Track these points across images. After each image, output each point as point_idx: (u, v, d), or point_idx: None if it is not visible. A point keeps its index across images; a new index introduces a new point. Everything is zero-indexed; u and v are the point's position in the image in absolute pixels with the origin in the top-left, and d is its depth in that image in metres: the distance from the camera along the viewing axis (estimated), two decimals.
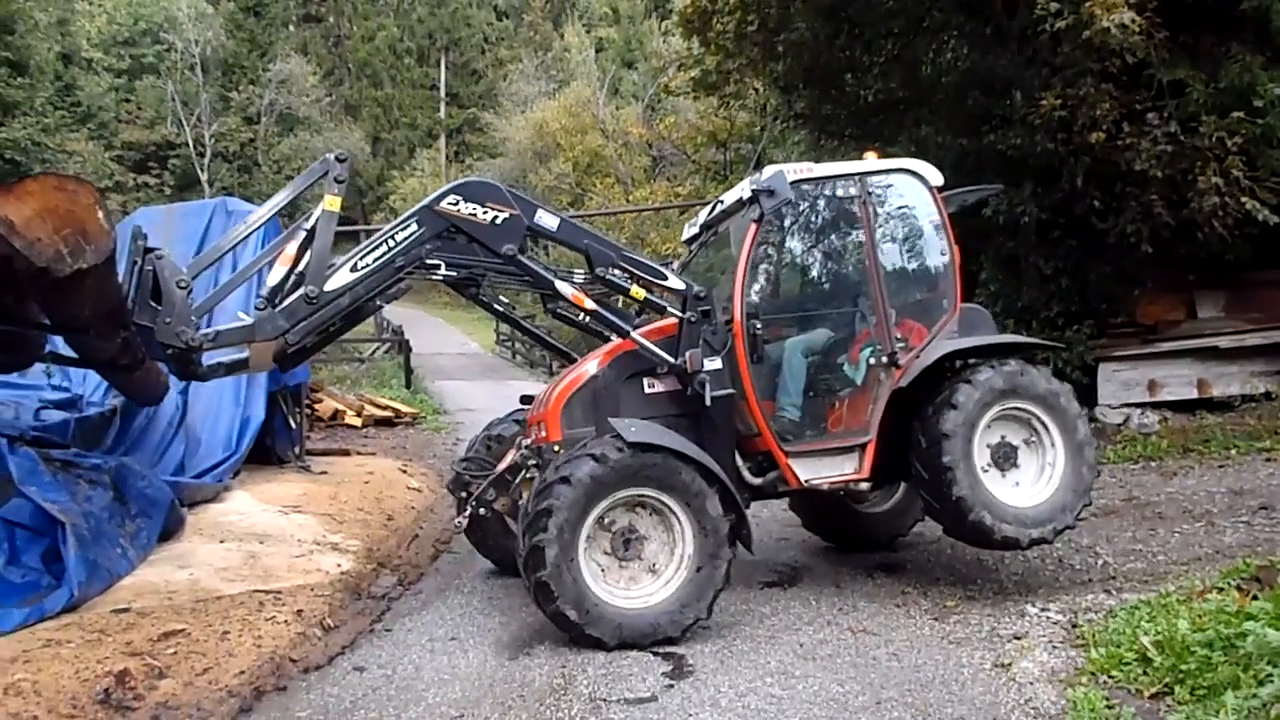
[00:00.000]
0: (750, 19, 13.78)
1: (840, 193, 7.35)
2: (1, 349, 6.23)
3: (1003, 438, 6.76)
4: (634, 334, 6.84)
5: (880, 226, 7.38)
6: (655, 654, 5.86)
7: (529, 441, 7.11)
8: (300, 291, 6.27)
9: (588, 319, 7.21)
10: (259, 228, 6.96)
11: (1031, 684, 5.14)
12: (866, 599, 6.93)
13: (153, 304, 5.97)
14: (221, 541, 7.73)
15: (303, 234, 6.48)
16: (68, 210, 4.89)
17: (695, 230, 8.25)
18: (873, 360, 7.07)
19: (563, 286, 6.83)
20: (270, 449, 11.25)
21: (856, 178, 7.24)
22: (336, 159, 6.51)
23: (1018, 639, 5.83)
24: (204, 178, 45.21)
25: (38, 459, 6.87)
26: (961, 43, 12.45)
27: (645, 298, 6.93)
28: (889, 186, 7.48)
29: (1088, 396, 12.56)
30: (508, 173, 49.16)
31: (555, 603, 5.82)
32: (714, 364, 6.71)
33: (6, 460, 6.64)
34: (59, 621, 5.73)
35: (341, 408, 16.31)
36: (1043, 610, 6.37)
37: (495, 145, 52.79)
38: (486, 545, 7.95)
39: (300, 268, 6.44)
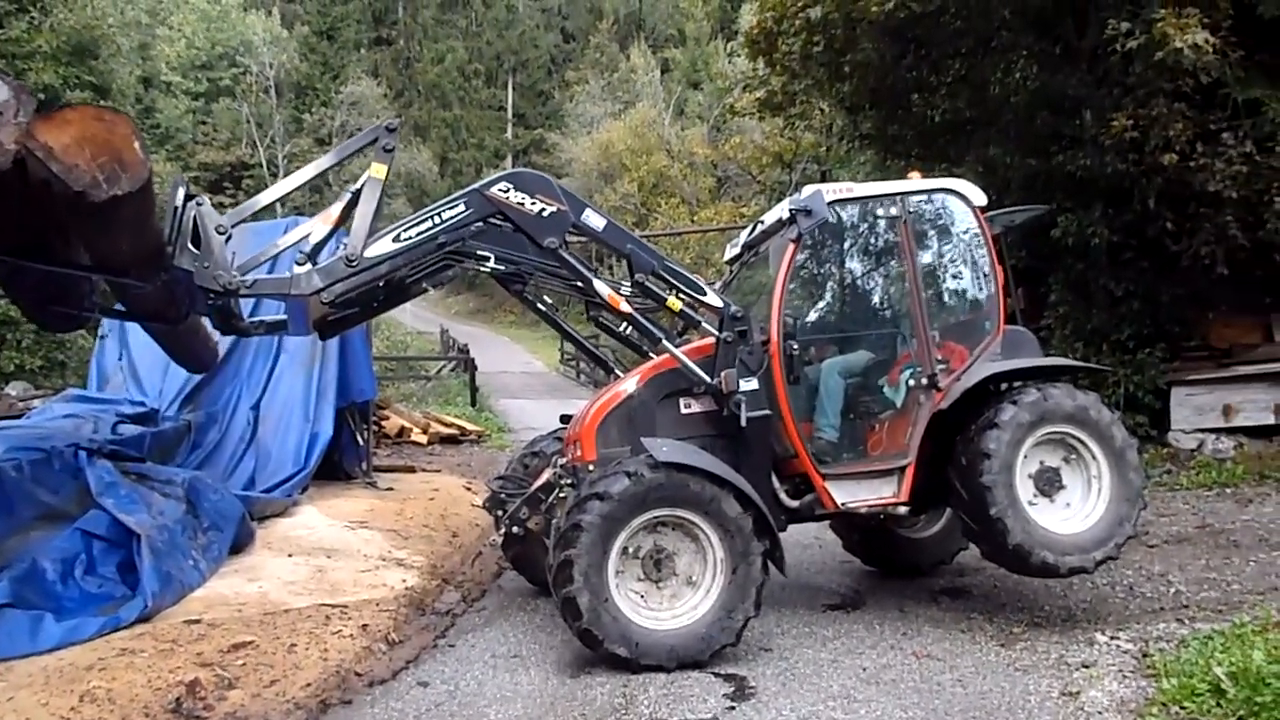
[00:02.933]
0: (816, 40, 13.75)
1: (881, 213, 7.25)
2: (53, 299, 6.40)
3: (1045, 463, 6.63)
4: (669, 346, 6.79)
5: (921, 247, 7.29)
6: (717, 675, 5.84)
7: (564, 460, 7.11)
8: (341, 253, 6.35)
9: (625, 326, 7.19)
10: (300, 186, 7.06)
11: (1100, 714, 5.05)
12: (931, 624, 6.85)
13: (192, 248, 6.07)
14: (290, 555, 7.85)
15: (348, 196, 6.55)
16: (105, 139, 5.05)
17: (737, 250, 8.21)
18: (912, 382, 6.97)
19: (599, 285, 6.83)
20: (338, 465, 11.44)
21: (897, 198, 7.15)
22: (386, 128, 6.56)
23: (1086, 667, 5.73)
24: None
25: (115, 472, 7.07)
26: (1030, 62, 12.31)
27: (681, 309, 6.85)
28: (931, 206, 7.40)
29: (1160, 421, 12.34)
30: (573, 192, 49.54)
31: (581, 619, 5.81)
32: (750, 385, 6.64)
33: (85, 473, 6.83)
34: (133, 631, 5.88)
35: (408, 425, 16.50)
36: (1112, 639, 6.25)
37: (561, 166, 53.15)
38: (523, 563, 7.95)
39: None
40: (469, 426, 18.07)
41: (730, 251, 8.42)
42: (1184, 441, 12.22)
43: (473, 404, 22.52)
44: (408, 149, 55.79)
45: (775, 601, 7.55)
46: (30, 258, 5.70)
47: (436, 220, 6.54)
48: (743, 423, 6.52)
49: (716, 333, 6.75)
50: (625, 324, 7.19)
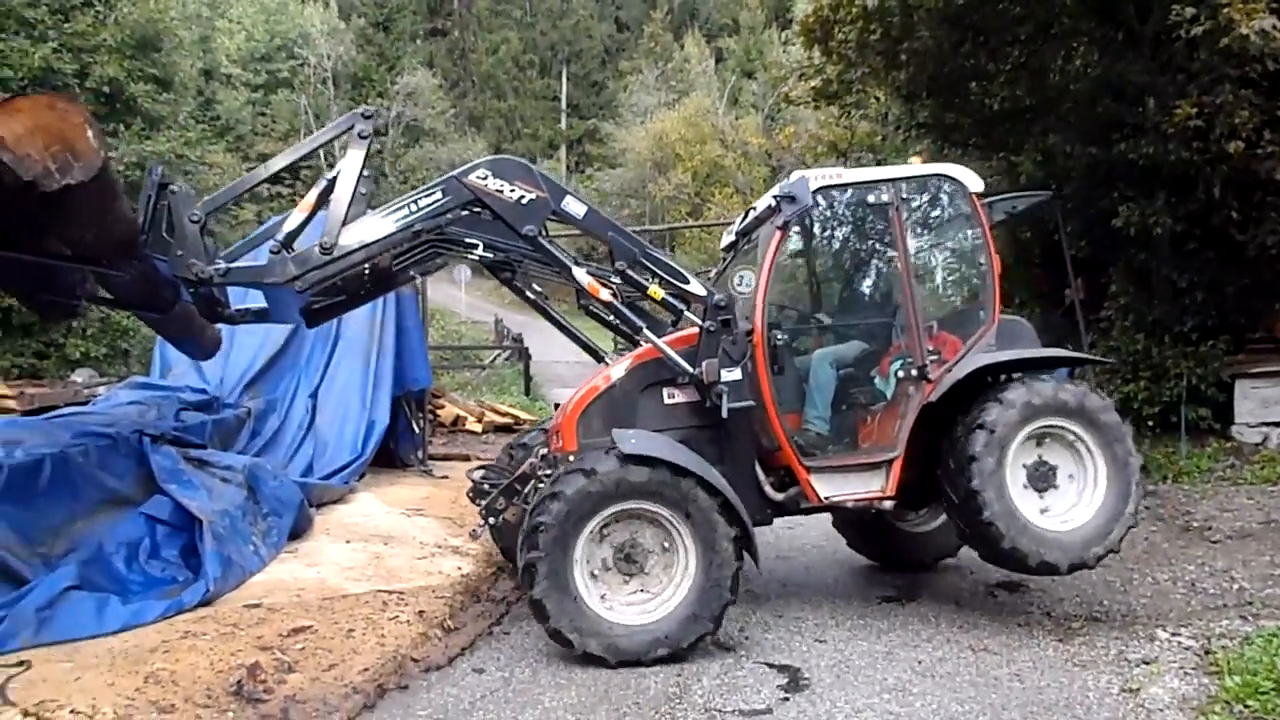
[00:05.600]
0: (873, 28, 13.60)
1: (871, 199, 7.09)
2: (39, 288, 6.46)
3: (1039, 457, 6.48)
4: (650, 335, 6.70)
5: (914, 234, 7.16)
6: (770, 665, 5.85)
7: (545, 451, 7.05)
8: (316, 241, 6.33)
9: (609, 314, 7.06)
10: (270, 176, 6.95)
11: (1161, 711, 4.99)
12: (988, 617, 6.80)
13: (166, 237, 6.11)
14: (347, 542, 7.97)
15: (324, 184, 6.52)
16: (58, 128, 5.04)
17: (732, 238, 8.06)
18: (902, 373, 6.84)
19: (579, 273, 6.72)
20: (394, 453, 11.58)
21: (888, 184, 6.98)
22: (363, 115, 6.50)
23: (1147, 664, 5.66)
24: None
25: (178, 458, 7.20)
26: (1092, 49, 12.07)
27: (663, 298, 6.73)
28: (925, 193, 7.27)
29: (1224, 415, 12.10)
30: (627, 182, 49.59)
31: (549, 620, 5.79)
32: (732, 375, 6.50)
33: (150, 458, 6.97)
34: (195, 614, 5.99)
35: (463, 414, 16.61)
36: (1174, 635, 6.17)
37: (615, 156, 53.19)
38: (513, 554, 7.90)
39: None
40: (523, 415, 18.14)
41: (726, 239, 8.29)
42: (1248, 435, 11.98)
43: (526, 393, 22.59)
44: (462, 139, 56.05)
45: (829, 594, 7.55)
46: (3, 248, 5.70)
47: (413, 208, 6.48)
48: (724, 414, 6.39)
49: (700, 322, 6.63)
50: (604, 308, 7.05)
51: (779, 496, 6.78)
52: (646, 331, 6.72)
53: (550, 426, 7.40)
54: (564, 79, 68.84)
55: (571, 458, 6.36)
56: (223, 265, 6.26)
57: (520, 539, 5.96)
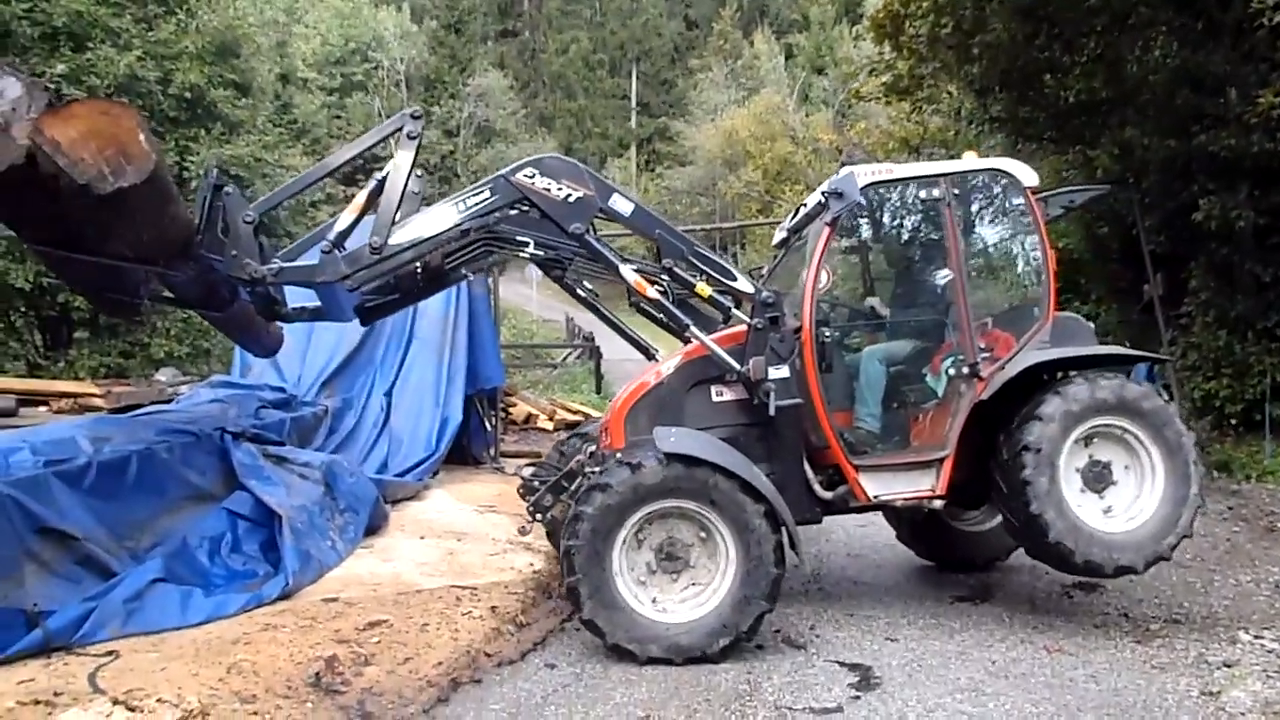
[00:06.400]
0: (944, 22, 13.49)
1: (922, 195, 6.96)
2: (104, 287, 6.59)
3: (1092, 456, 6.34)
4: (697, 333, 6.65)
5: (966, 230, 7.02)
6: (841, 664, 5.82)
7: (593, 448, 7.03)
8: (365, 241, 6.39)
9: (659, 312, 7.00)
10: (324, 177, 7.18)
11: (1243, 715, 4.88)
12: (1063, 618, 6.70)
13: (221, 238, 6.20)
14: (421, 538, 8.09)
15: (373, 184, 6.56)
16: (111, 132, 5.20)
17: (784, 234, 7.97)
18: (953, 371, 6.72)
19: (626, 271, 6.67)
20: (467, 450, 11.72)
21: (939, 179, 6.85)
22: (411, 116, 6.53)
23: (1228, 666, 5.54)
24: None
25: (257, 455, 7.36)
26: (1170, 39, 11.84)
27: (710, 295, 6.67)
28: (977, 188, 7.15)
29: None
30: (697, 180, 49.60)
31: (584, 611, 5.78)
32: (780, 372, 6.46)
33: (231, 455, 7.14)
34: (275, 608, 6.12)
35: (534, 412, 16.75)
36: (1256, 638, 6.02)
37: (685, 154, 53.22)
38: None
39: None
40: (594, 414, 18.21)
41: (778, 235, 8.21)
42: None
43: (598, 391, 22.71)
44: (533, 139, 56.49)
45: (901, 593, 7.50)
46: (70, 248, 5.85)
47: (461, 207, 6.51)
48: (771, 412, 6.35)
49: (748, 320, 6.59)
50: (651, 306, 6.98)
51: (828, 495, 6.71)
52: (694, 329, 6.69)
53: (600, 424, 7.40)
54: (634, 78, 69.04)
55: (619, 455, 6.32)
56: (275, 265, 6.37)
57: (563, 529, 5.99)
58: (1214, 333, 12.11)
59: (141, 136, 5.35)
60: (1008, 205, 7.11)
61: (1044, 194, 7.11)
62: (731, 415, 6.69)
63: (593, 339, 26.73)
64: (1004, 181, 7.02)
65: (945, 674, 5.62)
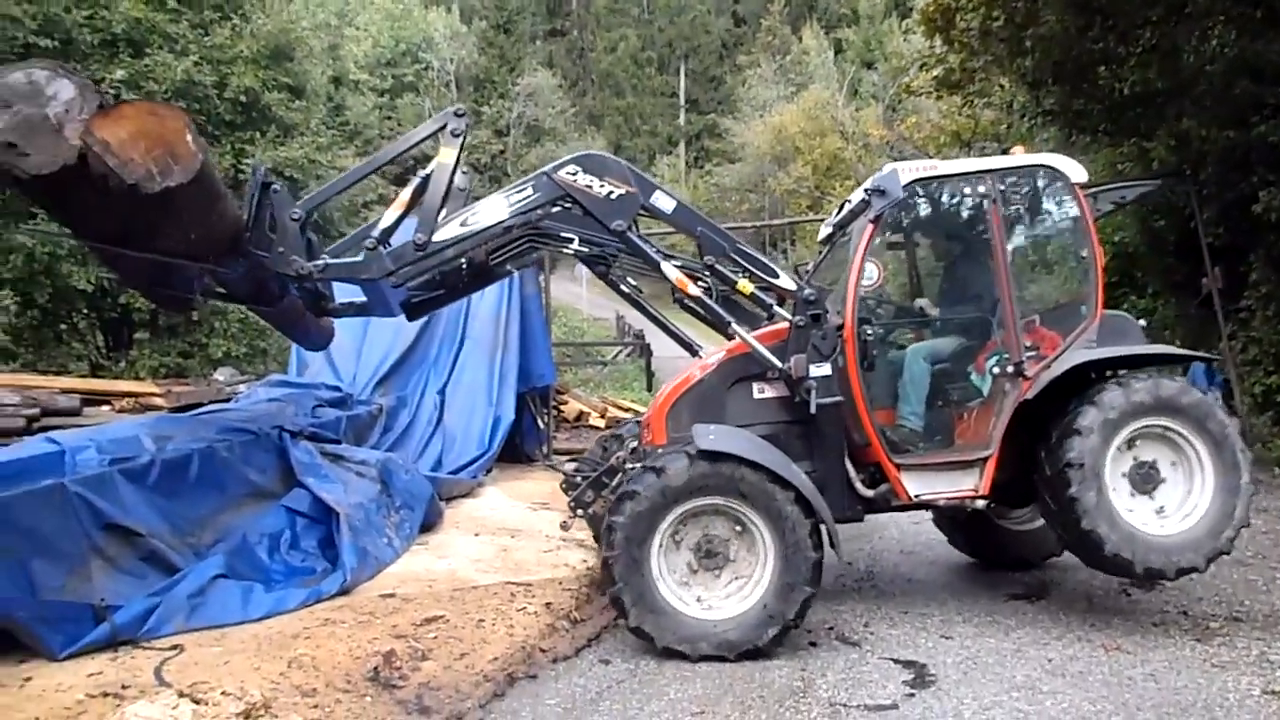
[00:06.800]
0: (996, 14, 13.35)
1: (967, 191, 6.91)
2: (156, 282, 6.72)
3: (1137, 458, 6.24)
4: (739, 330, 6.63)
5: (1012, 227, 6.93)
6: (896, 661, 5.81)
7: (637, 444, 7.01)
8: (410, 237, 6.46)
9: (703, 309, 6.98)
10: (369, 174, 7.39)
11: None
12: (1121, 616, 6.62)
13: (269, 234, 6.32)
14: (476, 534, 8.17)
15: (418, 181, 6.62)
16: (159, 133, 5.32)
17: (829, 230, 7.91)
18: (998, 370, 6.65)
19: (668, 269, 6.70)
20: (519, 448, 11.81)
21: (985, 175, 6.78)
22: (455, 113, 6.58)
23: None
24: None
25: (315, 453, 7.47)
26: (1228, 28, 11.62)
27: (752, 293, 6.67)
28: (1024, 184, 7.04)
29: None
30: (746, 177, 49.42)
31: (631, 618, 5.81)
32: (821, 370, 6.42)
33: (289, 453, 7.25)
34: (333, 603, 6.22)
35: (586, 409, 16.84)
36: None
37: (734, 150, 53.05)
38: None
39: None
40: (644, 411, 18.28)
41: (823, 232, 8.16)
42: None
43: (649, 389, 22.56)
44: (582, 138, 56.64)
45: (956, 590, 7.45)
46: (122, 245, 5.96)
47: (505, 204, 6.56)
48: (812, 409, 6.33)
49: (789, 317, 6.58)
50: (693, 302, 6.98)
51: (869, 493, 6.67)
52: (735, 325, 6.70)
53: (643, 420, 7.41)
54: (682, 75, 68.97)
55: (660, 451, 6.35)
56: (321, 262, 6.48)
57: (601, 537, 6.02)
58: (1275, 327, 11.89)
59: (189, 137, 5.48)
60: (1055, 201, 7.03)
61: (1093, 189, 7.01)
62: (773, 412, 6.70)
63: (643, 337, 26.73)
64: (1051, 177, 6.93)
65: (1001, 672, 5.59)
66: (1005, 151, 7.71)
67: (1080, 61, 13.11)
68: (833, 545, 5.98)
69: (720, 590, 6.02)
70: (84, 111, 5.22)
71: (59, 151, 5.14)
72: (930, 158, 32.75)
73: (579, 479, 7.57)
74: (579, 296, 42.34)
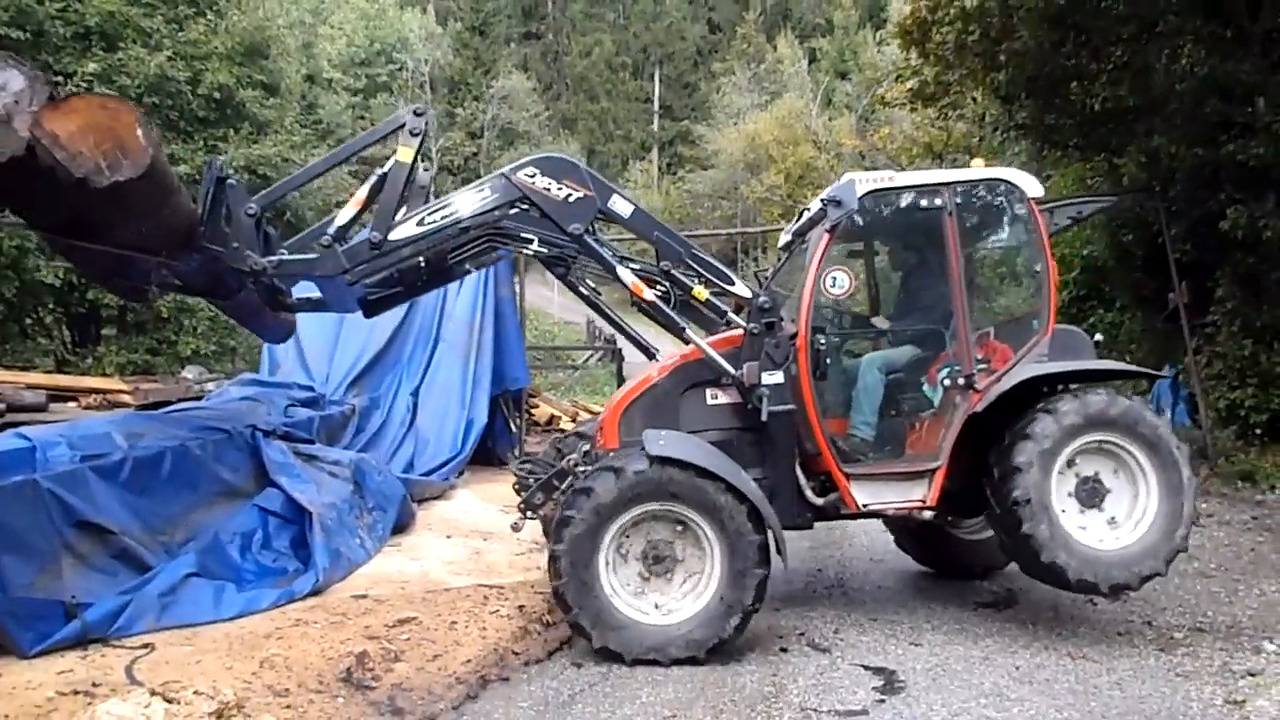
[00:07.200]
0: (971, 29, 13.49)
1: (923, 203, 6.87)
2: (111, 273, 6.69)
3: (1082, 474, 6.31)
4: (693, 336, 6.63)
5: (967, 240, 6.93)
6: (866, 667, 5.84)
7: (589, 447, 7.01)
8: (365, 235, 6.46)
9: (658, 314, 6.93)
10: (323, 172, 7.33)
11: None
12: (1087, 625, 6.70)
13: (225, 229, 6.32)
14: (448, 537, 8.18)
15: (375, 179, 6.61)
16: (109, 127, 5.30)
17: (788, 238, 7.90)
18: (949, 382, 6.67)
19: (623, 273, 6.70)
20: (492, 450, 11.79)
21: (940, 188, 6.79)
22: (414, 112, 6.60)
23: (1252, 675, 5.53)
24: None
25: (288, 453, 7.44)
26: (1199, 47, 11.79)
27: (707, 299, 6.68)
28: (980, 197, 7.06)
29: None
30: (719, 184, 49.57)
31: (594, 640, 5.82)
32: (774, 378, 6.42)
33: (262, 452, 7.22)
34: (306, 604, 6.21)
35: (557, 413, 16.81)
36: None
37: (707, 157, 53.20)
38: None
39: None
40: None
41: (783, 239, 8.15)
42: None
43: None
44: (556, 141, 56.62)
45: (925, 598, 7.51)
46: (76, 237, 5.94)
47: (462, 204, 6.58)
48: (764, 417, 6.33)
49: (744, 324, 6.58)
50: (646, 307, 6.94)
51: (819, 501, 6.67)
52: (689, 331, 6.69)
53: (597, 424, 7.40)
54: (656, 81, 69.10)
55: (611, 455, 6.34)
56: (276, 258, 6.46)
57: (551, 532, 6.02)
58: (1239, 342, 12.06)
59: (139, 131, 5.45)
60: (1011, 215, 7.06)
61: (1049, 204, 7.05)
62: (726, 419, 6.69)
63: (614, 341, 26.78)
64: (1007, 191, 6.95)
65: (969, 679, 5.64)
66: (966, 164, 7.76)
67: (1053, 77, 13.27)
68: (780, 553, 6.01)
69: (676, 592, 6.03)
70: (34, 103, 5.19)
71: (7, 143, 5.10)
72: (902, 169, 33.07)
73: (530, 480, 7.57)
74: (550, 300, 42.33)
